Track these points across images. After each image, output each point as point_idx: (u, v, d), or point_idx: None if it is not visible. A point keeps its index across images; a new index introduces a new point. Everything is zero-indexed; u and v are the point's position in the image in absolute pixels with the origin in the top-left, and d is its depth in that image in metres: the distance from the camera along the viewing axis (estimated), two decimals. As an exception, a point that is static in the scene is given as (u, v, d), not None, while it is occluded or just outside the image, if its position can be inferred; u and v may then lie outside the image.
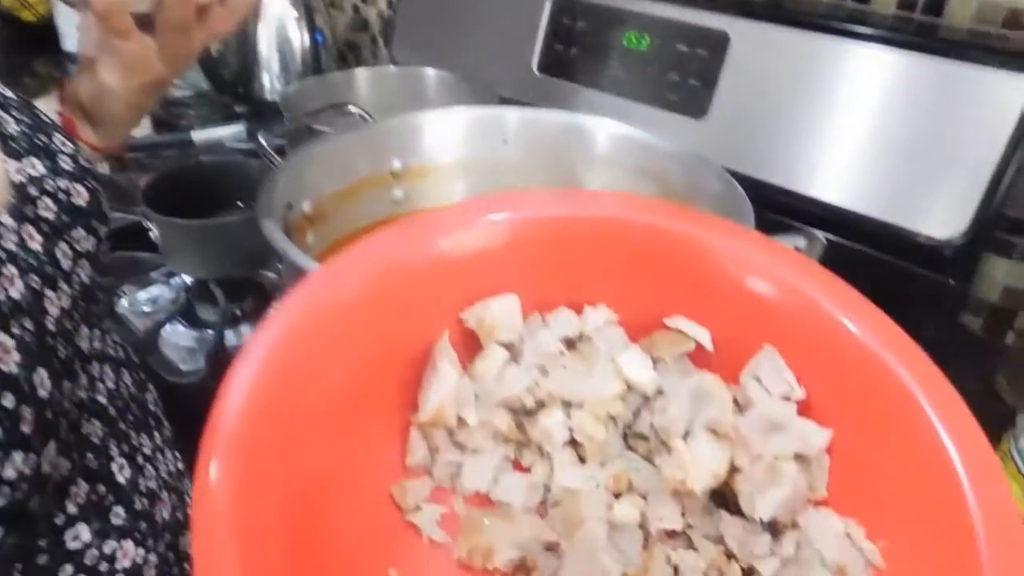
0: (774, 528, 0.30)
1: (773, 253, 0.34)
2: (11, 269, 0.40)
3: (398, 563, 0.29)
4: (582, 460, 0.31)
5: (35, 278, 0.42)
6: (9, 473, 0.37)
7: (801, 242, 0.55)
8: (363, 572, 0.28)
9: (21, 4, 1.72)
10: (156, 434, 0.55)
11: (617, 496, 0.30)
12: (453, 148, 0.75)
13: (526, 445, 0.31)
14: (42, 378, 0.39)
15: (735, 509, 0.30)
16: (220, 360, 0.86)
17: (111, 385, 0.49)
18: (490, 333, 0.32)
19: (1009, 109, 0.75)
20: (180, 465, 0.58)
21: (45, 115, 0.51)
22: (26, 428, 0.38)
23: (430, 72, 1.16)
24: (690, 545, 0.29)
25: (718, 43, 0.96)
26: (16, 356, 0.38)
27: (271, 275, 0.99)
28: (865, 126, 0.85)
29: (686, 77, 0.97)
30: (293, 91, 1.07)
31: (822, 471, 0.31)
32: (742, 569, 0.29)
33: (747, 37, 0.94)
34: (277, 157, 0.65)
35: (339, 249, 0.71)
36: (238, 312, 0.94)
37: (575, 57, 1.08)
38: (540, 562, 0.29)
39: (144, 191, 0.93)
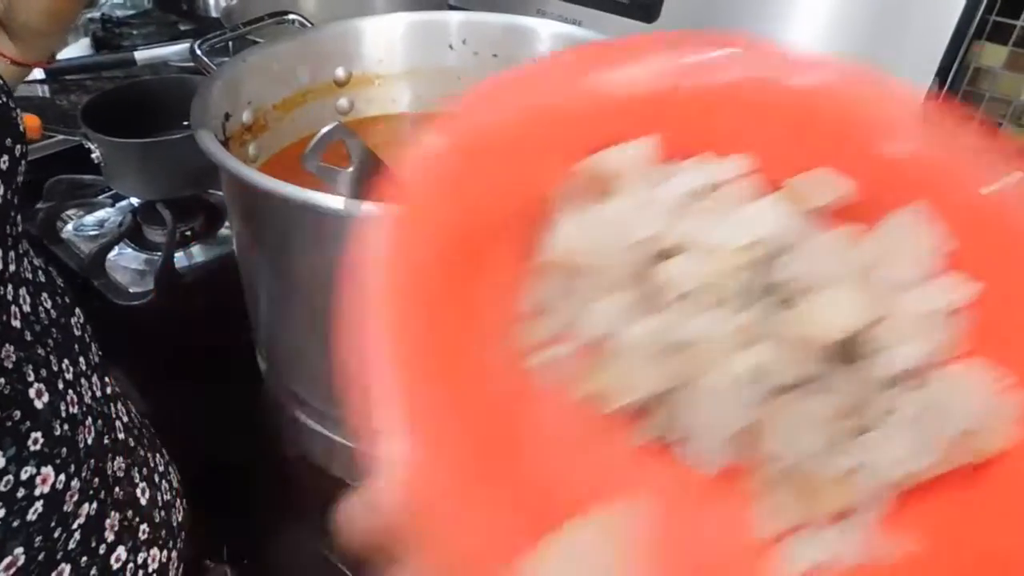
0: (907, 383, 0.28)
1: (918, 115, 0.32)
2: None
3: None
4: (708, 308, 0.28)
5: None
6: None
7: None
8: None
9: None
10: (81, 359, 0.54)
11: (744, 347, 0.28)
12: (398, 54, 0.73)
13: (651, 291, 0.29)
14: None
15: (866, 363, 0.28)
16: (169, 281, 0.85)
17: (27, 309, 0.48)
18: (621, 176, 0.29)
19: (952, 7, 0.75)
20: (108, 390, 0.57)
21: None
22: None
23: (377, -19, 1.13)
24: (816, 398, 0.28)
25: (669, -56, 0.94)
26: None
27: (219, 194, 0.98)
28: (813, 27, 0.85)
29: (637, -20, 0.96)
30: (236, 4, 1.03)
31: (962, 327, 0.29)
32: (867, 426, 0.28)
33: (699, -63, 0.92)
34: (215, 68, 0.63)
35: (283, 160, 0.70)
36: (187, 232, 0.93)
37: (525, -37, 1.05)
38: (659, 409, 0.28)
39: (84, 111, 0.90)
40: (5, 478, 0.45)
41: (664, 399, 0.28)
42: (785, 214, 0.29)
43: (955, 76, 0.79)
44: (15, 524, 0.46)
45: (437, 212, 0.27)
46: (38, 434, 0.47)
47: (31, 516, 0.46)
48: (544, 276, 0.29)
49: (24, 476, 0.46)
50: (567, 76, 0.30)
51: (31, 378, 0.47)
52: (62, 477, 0.48)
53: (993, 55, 0.88)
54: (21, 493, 0.46)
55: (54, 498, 0.48)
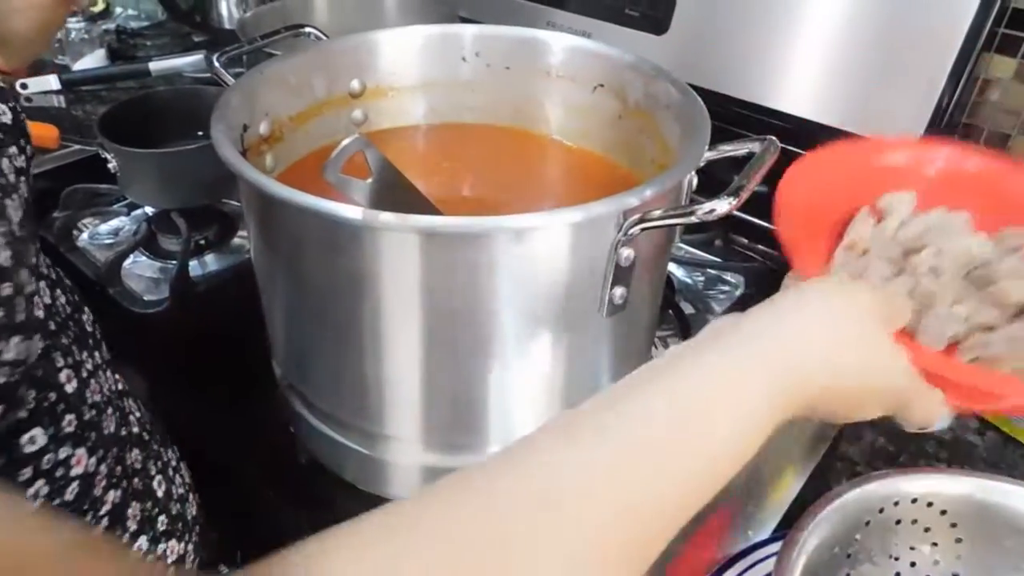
0: None
1: None
2: None
3: None
4: (936, 277, 0.53)
5: None
6: (8, 355, 0.39)
7: (757, 147, 0.55)
8: None
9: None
10: (96, 352, 0.56)
11: (956, 304, 0.51)
12: (412, 67, 0.74)
13: (904, 269, 0.54)
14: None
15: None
16: (183, 290, 0.86)
17: (47, 301, 0.50)
18: (893, 207, 0.57)
19: (961, 19, 0.76)
20: (120, 385, 0.59)
21: None
22: (20, 316, 0.40)
23: (389, -6, 1.14)
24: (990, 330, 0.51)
25: (679, -43, 0.95)
26: (7, 251, 0.39)
27: (234, 203, 0.99)
28: (824, 37, 0.85)
29: (647, -7, 0.97)
30: (250, 17, 1.05)
31: None
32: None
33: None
34: (231, 79, 0.64)
35: (299, 171, 0.71)
36: (201, 241, 0.94)
37: (536, -25, 1.06)
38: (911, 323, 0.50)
39: (100, 122, 0.91)
40: (46, 456, 0.46)
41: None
42: (986, 243, 0.54)
43: (964, 87, 0.79)
44: (55, 503, 0.47)
45: (806, 192, 0.54)
46: (71, 416, 0.48)
47: (68, 496, 0.48)
48: (845, 252, 0.56)
49: (62, 456, 0.47)
50: (863, 152, 0.60)
51: (60, 364, 0.49)
52: (92, 460, 0.50)
53: (1002, 67, 0.88)
54: (59, 473, 0.47)
55: (86, 480, 0.49)
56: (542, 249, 0.49)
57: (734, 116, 0.92)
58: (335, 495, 0.65)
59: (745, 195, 0.48)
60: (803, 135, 0.88)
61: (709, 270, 0.91)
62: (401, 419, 0.58)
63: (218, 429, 0.71)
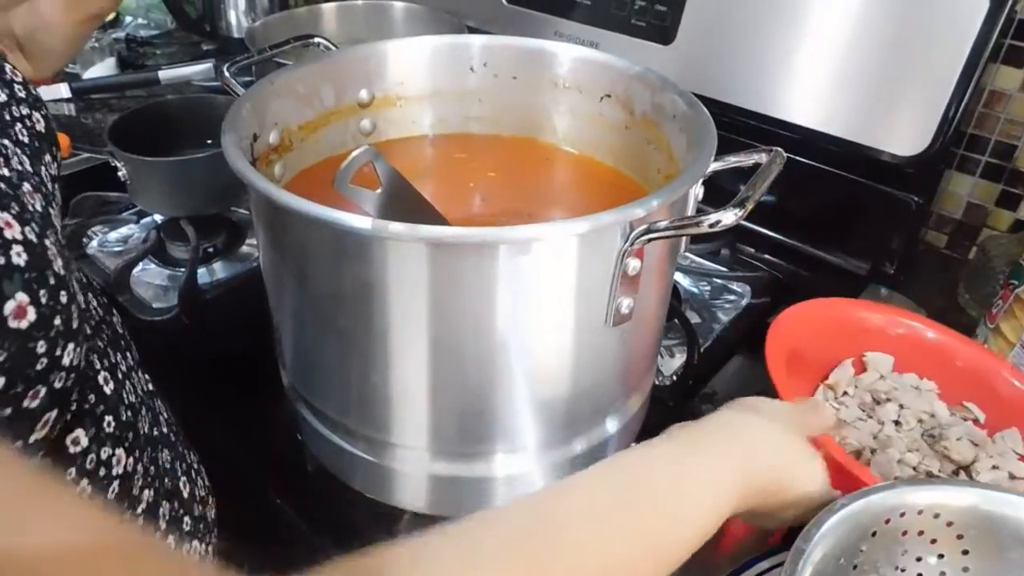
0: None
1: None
2: (27, 186, 0.42)
3: None
4: (897, 428, 0.66)
5: (40, 196, 0.43)
6: (66, 361, 0.40)
7: (763, 157, 0.55)
8: None
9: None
10: (128, 354, 0.56)
11: (909, 451, 0.64)
12: (420, 77, 0.75)
13: (872, 415, 0.67)
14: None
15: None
16: (192, 297, 0.86)
17: (83, 305, 0.50)
18: (874, 365, 0.71)
19: (967, 30, 0.76)
20: (150, 386, 0.60)
21: None
22: (75, 322, 0.41)
23: (397, 5, 1.15)
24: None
25: (686, -32, 0.95)
26: (59, 260, 0.41)
27: (242, 211, 0.99)
28: (830, 48, 0.86)
29: (653, 3, 0.97)
30: (259, 26, 1.05)
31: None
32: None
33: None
34: (241, 89, 0.64)
35: (307, 179, 0.72)
36: (210, 249, 0.94)
37: (543, -14, 1.07)
38: (866, 455, 0.63)
39: (111, 130, 0.92)
40: (88, 456, 0.47)
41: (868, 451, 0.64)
42: (945, 410, 0.68)
43: (970, 98, 0.80)
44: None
45: (788, 336, 0.65)
46: (110, 417, 0.49)
47: (110, 495, 0.49)
48: (825, 389, 0.70)
49: (104, 456, 0.48)
50: (842, 309, 0.72)
51: (97, 366, 0.50)
52: (130, 460, 0.50)
53: (1008, 78, 0.89)
54: (102, 472, 0.48)
55: (125, 480, 0.50)
56: (549, 259, 0.49)
57: (740, 126, 0.92)
58: (342, 503, 0.65)
59: (751, 206, 0.48)
60: (809, 145, 0.89)
61: (715, 279, 0.91)
62: (409, 428, 0.58)
63: (226, 436, 0.71)
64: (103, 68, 1.33)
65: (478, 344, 0.53)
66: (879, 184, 0.88)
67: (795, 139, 0.89)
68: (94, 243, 0.97)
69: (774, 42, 0.89)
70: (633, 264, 0.50)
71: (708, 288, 0.91)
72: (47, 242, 0.40)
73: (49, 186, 0.46)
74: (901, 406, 0.67)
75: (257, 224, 0.59)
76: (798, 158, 0.88)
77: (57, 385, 0.40)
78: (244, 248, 0.97)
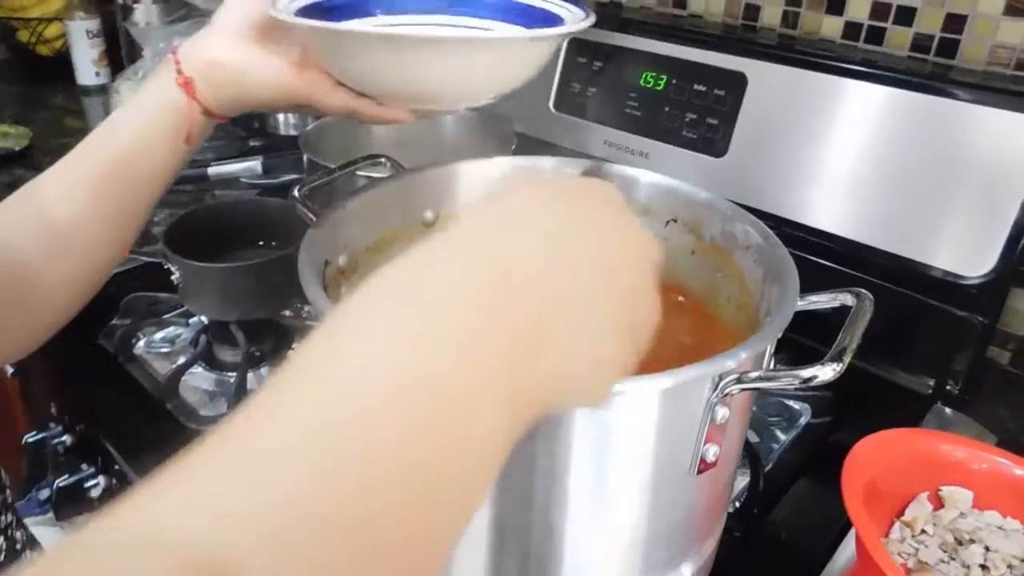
0: None
1: None
2: None
3: None
4: (984, 573, 0.63)
5: None
6: None
7: (848, 299, 0.55)
8: None
9: (38, 40, 1.72)
10: None
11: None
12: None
13: (955, 556, 0.64)
14: None
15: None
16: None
17: None
18: (953, 501, 0.67)
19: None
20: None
21: None
22: None
23: (447, 109, 1.16)
24: None
25: (736, 83, 0.96)
26: None
27: (289, 314, 0.99)
28: (885, 166, 0.86)
29: (704, 117, 0.98)
30: (313, 131, 1.07)
31: None
32: None
33: (764, 78, 0.95)
34: (313, 216, 0.64)
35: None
36: (257, 353, 0.94)
37: (591, 96, 1.08)
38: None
39: (166, 234, 0.92)
40: None
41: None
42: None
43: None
44: None
45: (866, 467, 0.63)
46: None
47: None
48: (902, 526, 0.67)
49: None
50: (922, 442, 0.70)
51: None
52: None
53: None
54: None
55: None
56: (631, 413, 0.48)
57: (791, 239, 0.91)
58: None
59: (848, 358, 0.47)
60: (861, 260, 0.88)
61: (771, 396, 0.90)
62: (471, 570, 0.56)
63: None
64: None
65: (549, 492, 0.51)
66: (941, 303, 0.86)
67: (847, 255, 0.88)
68: (141, 343, 0.97)
69: (827, 157, 0.90)
70: (722, 413, 0.48)
71: (765, 405, 0.89)
72: None
73: None
74: (987, 548, 0.64)
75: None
76: (853, 272, 0.88)
77: None
78: (291, 352, 0.96)
